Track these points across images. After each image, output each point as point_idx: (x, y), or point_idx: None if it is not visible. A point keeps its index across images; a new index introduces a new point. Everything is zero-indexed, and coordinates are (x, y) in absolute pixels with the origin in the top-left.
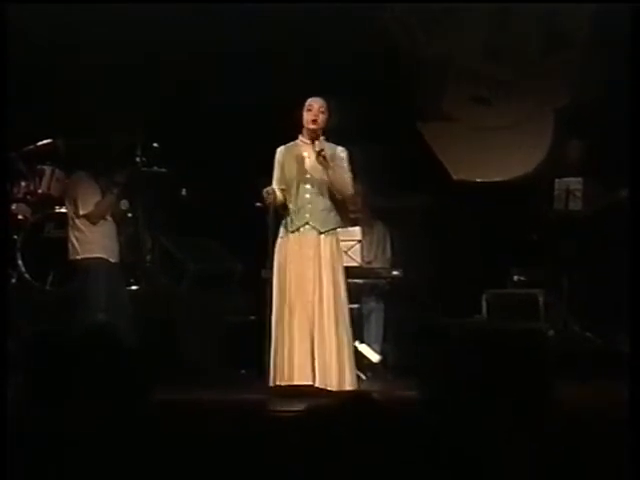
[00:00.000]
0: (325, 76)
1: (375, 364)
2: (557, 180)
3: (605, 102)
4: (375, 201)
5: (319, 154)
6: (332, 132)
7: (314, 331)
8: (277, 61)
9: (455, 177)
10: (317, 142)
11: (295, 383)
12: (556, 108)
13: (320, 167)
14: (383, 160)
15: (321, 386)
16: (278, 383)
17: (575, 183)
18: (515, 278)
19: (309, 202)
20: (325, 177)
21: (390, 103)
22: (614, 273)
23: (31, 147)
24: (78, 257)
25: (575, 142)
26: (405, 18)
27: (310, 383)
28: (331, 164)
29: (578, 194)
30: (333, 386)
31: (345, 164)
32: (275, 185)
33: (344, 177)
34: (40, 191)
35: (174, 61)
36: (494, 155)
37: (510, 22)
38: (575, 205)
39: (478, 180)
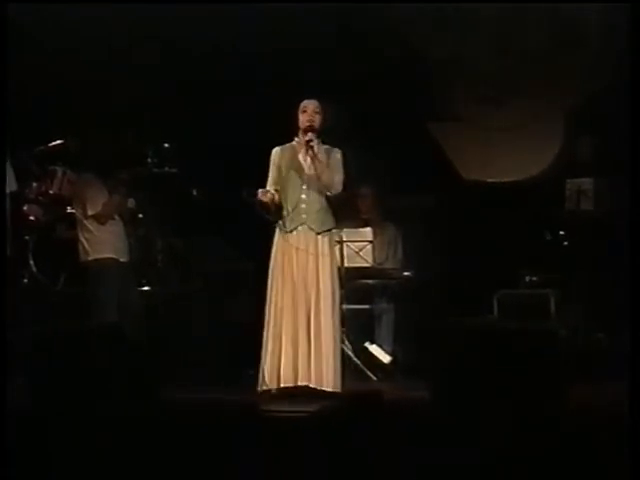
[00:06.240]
0: (331, 76)
1: (386, 364)
2: (568, 180)
3: (616, 101)
4: (386, 202)
5: (307, 144)
6: (340, 133)
7: (309, 331)
8: (283, 61)
9: (466, 177)
10: (309, 133)
11: (282, 385)
12: (566, 108)
13: (316, 168)
14: (394, 161)
15: (311, 385)
16: (266, 386)
17: (586, 183)
18: (527, 278)
19: (305, 202)
20: (321, 178)
21: (401, 104)
22: (626, 273)
23: (42, 148)
24: (89, 258)
25: (586, 142)
26: (413, 18)
27: (293, 384)
28: (322, 161)
29: (589, 194)
30: (326, 387)
31: (339, 165)
32: (269, 186)
33: (333, 176)
34: (52, 192)
35: (182, 61)
36: (505, 155)
37: (519, 22)
38: (586, 205)
39: (489, 180)
